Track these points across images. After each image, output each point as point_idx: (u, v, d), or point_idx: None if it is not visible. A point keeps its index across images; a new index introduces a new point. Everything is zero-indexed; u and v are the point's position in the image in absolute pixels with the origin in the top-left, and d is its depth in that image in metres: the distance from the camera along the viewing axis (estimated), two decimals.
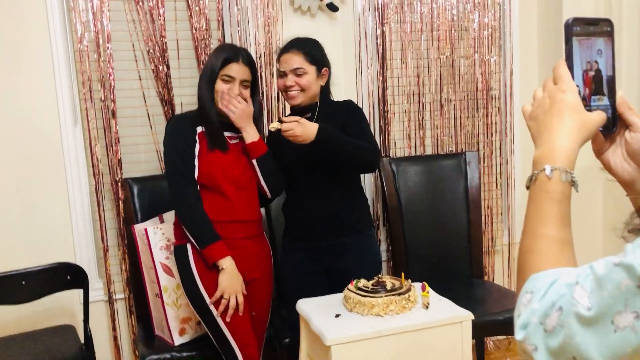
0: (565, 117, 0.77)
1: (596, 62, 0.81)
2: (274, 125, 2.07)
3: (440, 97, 2.98)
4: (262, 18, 2.67)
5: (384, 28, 2.85)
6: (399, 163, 2.88)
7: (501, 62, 3.06)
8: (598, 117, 0.78)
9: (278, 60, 2.24)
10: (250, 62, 2.15)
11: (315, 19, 2.79)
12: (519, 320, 0.68)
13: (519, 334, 0.68)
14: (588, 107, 0.80)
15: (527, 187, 0.78)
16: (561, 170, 0.75)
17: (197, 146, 2.09)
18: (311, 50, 2.21)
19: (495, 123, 3.07)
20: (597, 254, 0.70)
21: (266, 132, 2.43)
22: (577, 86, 0.79)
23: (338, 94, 2.44)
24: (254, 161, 2.14)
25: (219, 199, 2.10)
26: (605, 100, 0.81)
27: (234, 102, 2.07)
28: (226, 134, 2.15)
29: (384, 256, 3.00)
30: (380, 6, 2.83)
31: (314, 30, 2.78)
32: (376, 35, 2.85)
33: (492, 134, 3.07)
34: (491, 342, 3.15)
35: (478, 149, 3.04)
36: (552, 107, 0.78)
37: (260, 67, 2.68)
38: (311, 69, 2.19)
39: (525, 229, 0.76)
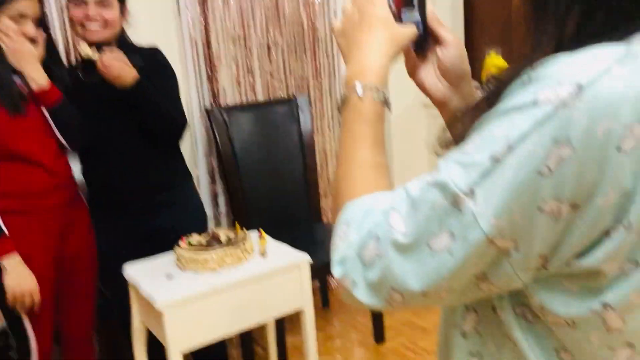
0: (374, 31, 0.71)
1: None
2: (86, 51, 1.77)
3: (267, 40, 2.88)
4: None
5: None
6: (230, 112, 2.75)
7: (324, 3, 3.02)
8: (408, 31, 0.73)
9: None
10: None
11: None
12: (336, 255, 0.61)
13: (336, 271, 0.61)
14: (399, 20, 0.74)
15: (339, 110, 0.72)
16: (373, 89, 0.68)
17: None
18: None
19: (324, 65, 3.05)
20: None
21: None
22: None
23: (156, 41, 2.21)
24: (45, 111, 1.83)
25: (27, 168, 1.80)
26: (416, 15, 0.76)
27: (10, 36, 1.72)
28: (17, 80, 1.79)
29: (223, 209, 2.89)
30: None
31: None
32: None
33: (321, 77, 3.06)
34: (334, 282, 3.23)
35: (309, 93, 3.01)
36: (361, 21, 0.72)
37: (62, 10, 2.35)
38: (116, 4, 1.93)
39: (338, 155, 0.70)
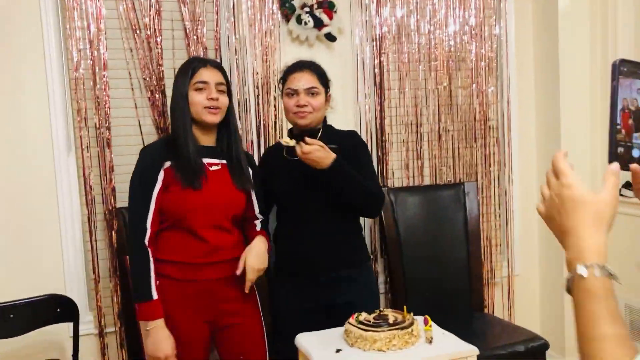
0: (578, 213, 0.76)
1: (635, 99, 0.82)
2: (287, 140, 2.00)
3: (439, 127, 2.97)
4: (260, 47, 2.66)
5: (382, 58, 2.85)
6: (397, 193, 2.84)
7: (498, 93, 3.06)
8: (607, 195, 0.77)
9: (284, 80, 2.20)
10: (219, 66, 2.04)
11: (313, 49, 2.78)
12: None
13: None
14: (630, 143, 0.80)
15: (569, 292, 0.76)
16: (594, 267, 0.73)
17: (159, 185, 1.91)
18: (322, 72, 2.21)
19: (494, 153, 3.05)
20: None
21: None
22: (618, 125, 0.79)
23: (335, 124, 2.41)
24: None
25: (191, 240, 1.94)
26: None
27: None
28: (206, 160, 1.98)
29: (382, 288, 2.94)
30: (378, 37, 2.83)
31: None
32: (374, 66, 2.85)
33: (490, 165, 3.05)
34: None
35: (476, 179, 3.02)
36: (563, 206, 0.78)
37: (258, 95, 2.67)
38: (322, 91, 2.17)
39: (578, 333, 0.74)
